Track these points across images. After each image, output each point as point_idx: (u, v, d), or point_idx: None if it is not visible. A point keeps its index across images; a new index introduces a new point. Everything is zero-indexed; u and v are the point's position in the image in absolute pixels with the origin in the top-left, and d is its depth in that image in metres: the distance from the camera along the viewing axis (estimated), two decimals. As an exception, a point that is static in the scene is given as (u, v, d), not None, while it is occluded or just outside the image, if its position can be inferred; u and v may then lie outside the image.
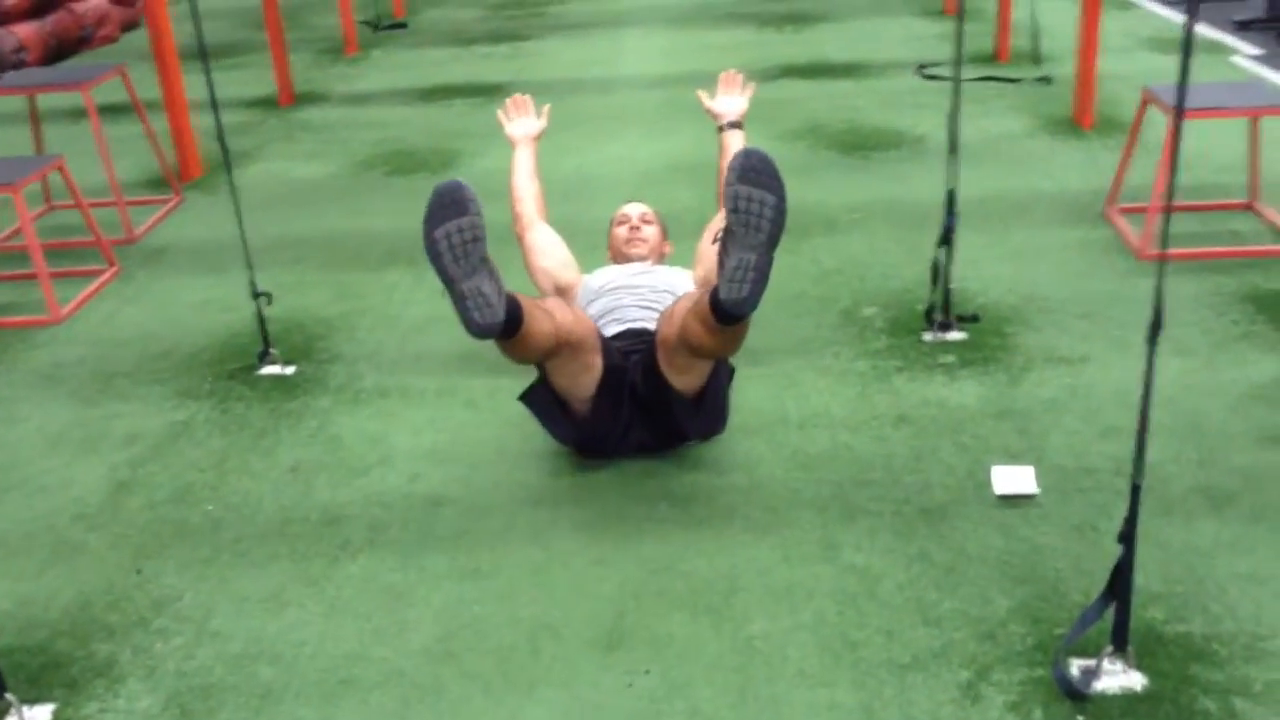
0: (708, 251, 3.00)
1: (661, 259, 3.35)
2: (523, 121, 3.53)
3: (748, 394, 3.07)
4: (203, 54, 3.27)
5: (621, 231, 3.34)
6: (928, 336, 3.40)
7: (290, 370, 3.41)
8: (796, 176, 3.52)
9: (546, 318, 2.53)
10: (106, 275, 4.18)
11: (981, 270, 3.79)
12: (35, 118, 4.85)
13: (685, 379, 2.70)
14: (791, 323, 3.53)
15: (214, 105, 3.30)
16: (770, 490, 2.70)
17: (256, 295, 3.37)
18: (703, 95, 3.54)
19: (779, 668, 2.14)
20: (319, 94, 6.75)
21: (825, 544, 2.48)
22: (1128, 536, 2.00)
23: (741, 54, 6.80)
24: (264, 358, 3.43)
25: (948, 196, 3.26)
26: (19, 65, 7.20)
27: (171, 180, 4.99)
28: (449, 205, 2.31)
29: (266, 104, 6.53)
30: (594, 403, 2.75)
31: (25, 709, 2.12)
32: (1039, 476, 2.66)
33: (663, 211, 3.47)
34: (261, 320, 3.40)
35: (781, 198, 2.28)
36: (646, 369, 2.72)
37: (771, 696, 2.07)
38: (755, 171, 2.27)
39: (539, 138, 3.50)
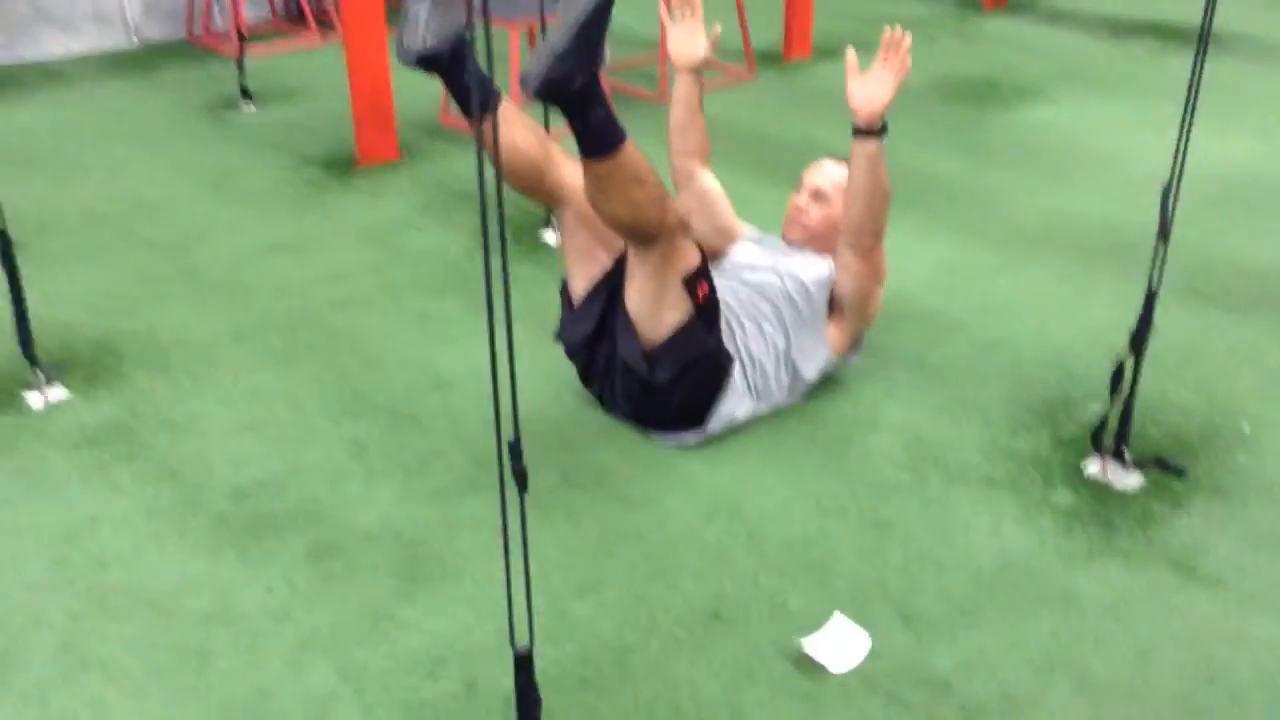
0: (850, 263, 2.72)
1: (823, 245, 2.88)
2: (684, 37, 2.92)
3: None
4: None
5: (794, 200, 2.98)
6: (1092, 469, 2.56)
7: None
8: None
9: (533, 139, 2.39)
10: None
11: (1211, 369, 2.97)
12: None
13: (638, 298, 2.47)
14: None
15: None
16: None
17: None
18: (851, 65, 2.65)
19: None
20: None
21: None
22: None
23: None
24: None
25: (1146, 300, 2.39)
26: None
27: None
28: None
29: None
30: (582, 300, 2.63)
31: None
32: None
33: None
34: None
35: None
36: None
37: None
38: None
39: (699, 69, 2.93)
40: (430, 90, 4.65)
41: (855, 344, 2.91)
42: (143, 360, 3.05)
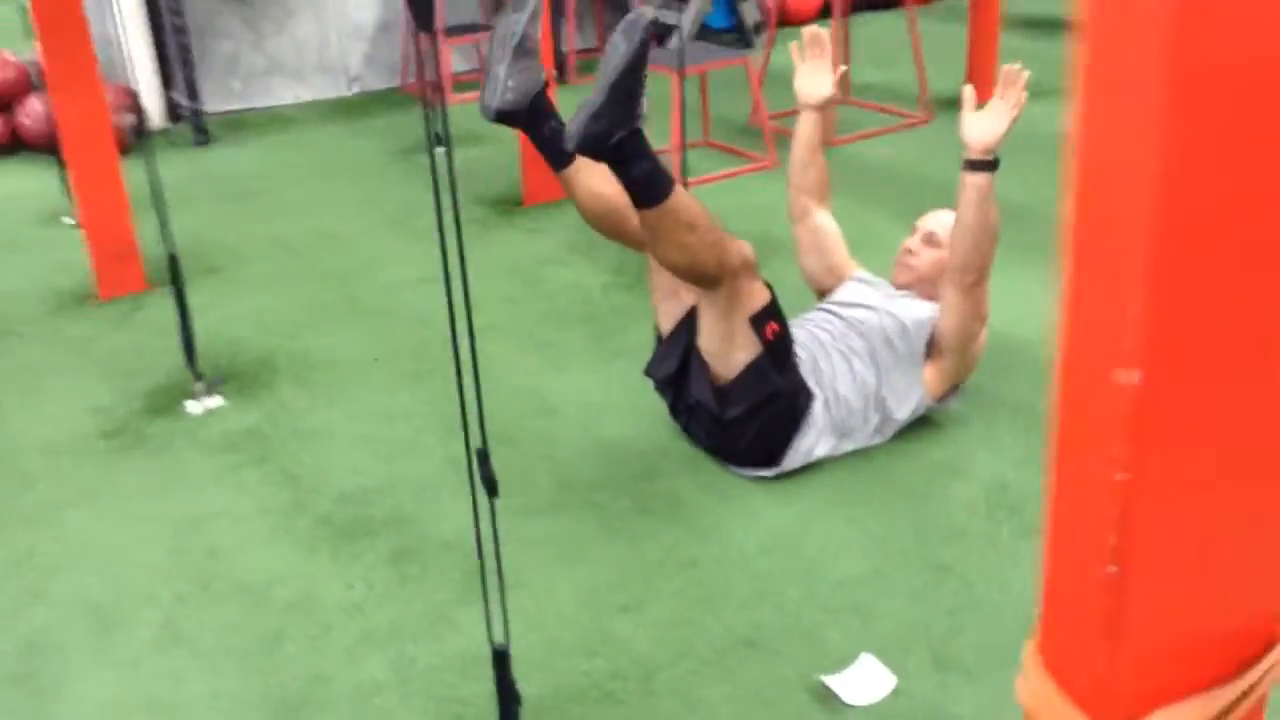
0: (953, 300, 2.72)
1: (930, 290, 2.86)
2: (811, 75, 3.02)
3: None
4: None
5: (905, 243, 3.00)
6: None
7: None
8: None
9: (613, 187, 2.44)
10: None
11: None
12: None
13: (707, 338, 2.57)
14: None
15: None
16: None
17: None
18: (967, 101, 2.68)
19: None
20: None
21: None
22: None
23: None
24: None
25: None
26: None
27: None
28: (514, 2, 2.38)
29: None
30: (668, 337, 2.73)
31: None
32: None
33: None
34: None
35: (635, 50, 2.18)
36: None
37: None
38: (628, 24, 2.19)
39: (824, 107, 3.04)
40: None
41: (954, 388, 2.88)
42: (292, 376, 3.36)
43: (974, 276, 2.69)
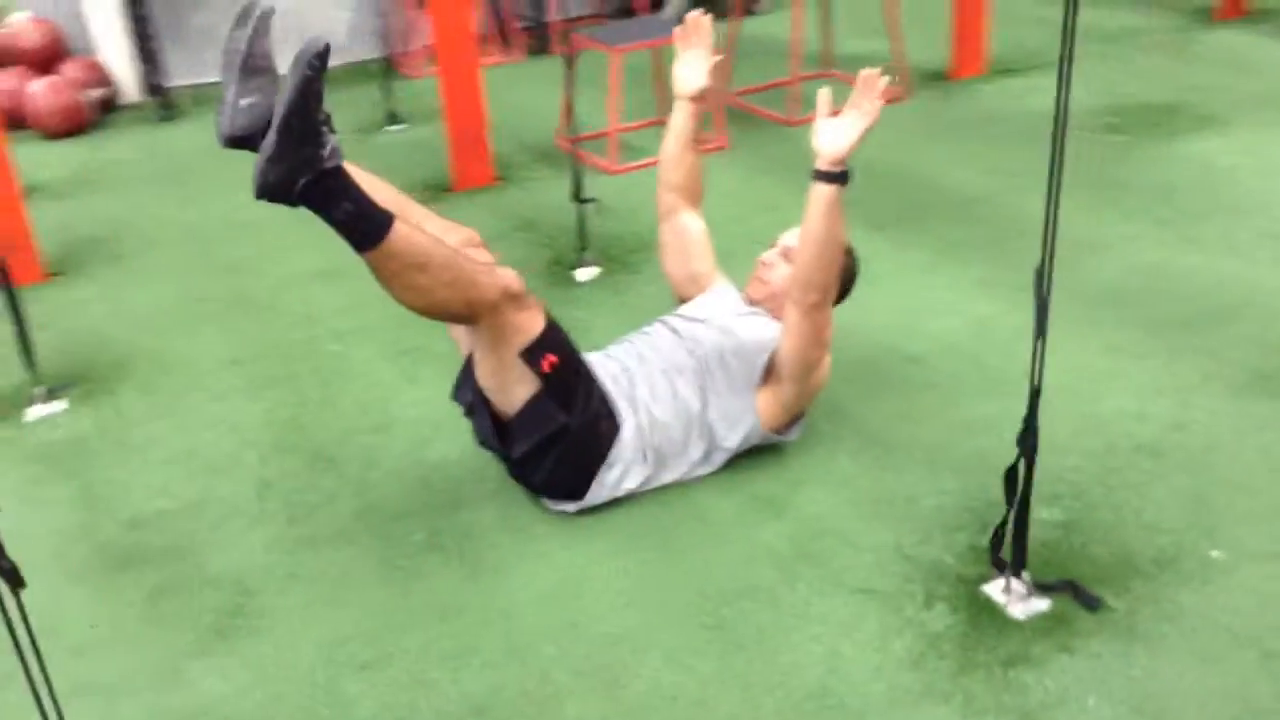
0: (793, 321, 2.46)
1: (782, 309, 2.54)
2: (687, 64, 2.81)
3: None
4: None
5: (762, 256, 2.77)
6: (991, 589, 2.19)
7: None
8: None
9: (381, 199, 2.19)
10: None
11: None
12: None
13: (482, 374, 2.39)
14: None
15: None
16: None
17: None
18: (823, 104, 2.38)
19: None
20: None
21: None
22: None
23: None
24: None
25: (1031, 397, 2.13)
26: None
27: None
28: (238, 18, 2.09)
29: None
30: (465, 363, 2.53)
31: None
32: None
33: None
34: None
35: (298, 88, 1.90)
36: None
37: None
38: (296, 56, 1.92)
39: (699, 98, 2.79)
40: (548, 112, 4.67)
41: (793, 418, 2.63)
42: (141, 380, 3.24)
43: (816, 296, 2.43)
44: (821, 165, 2.35)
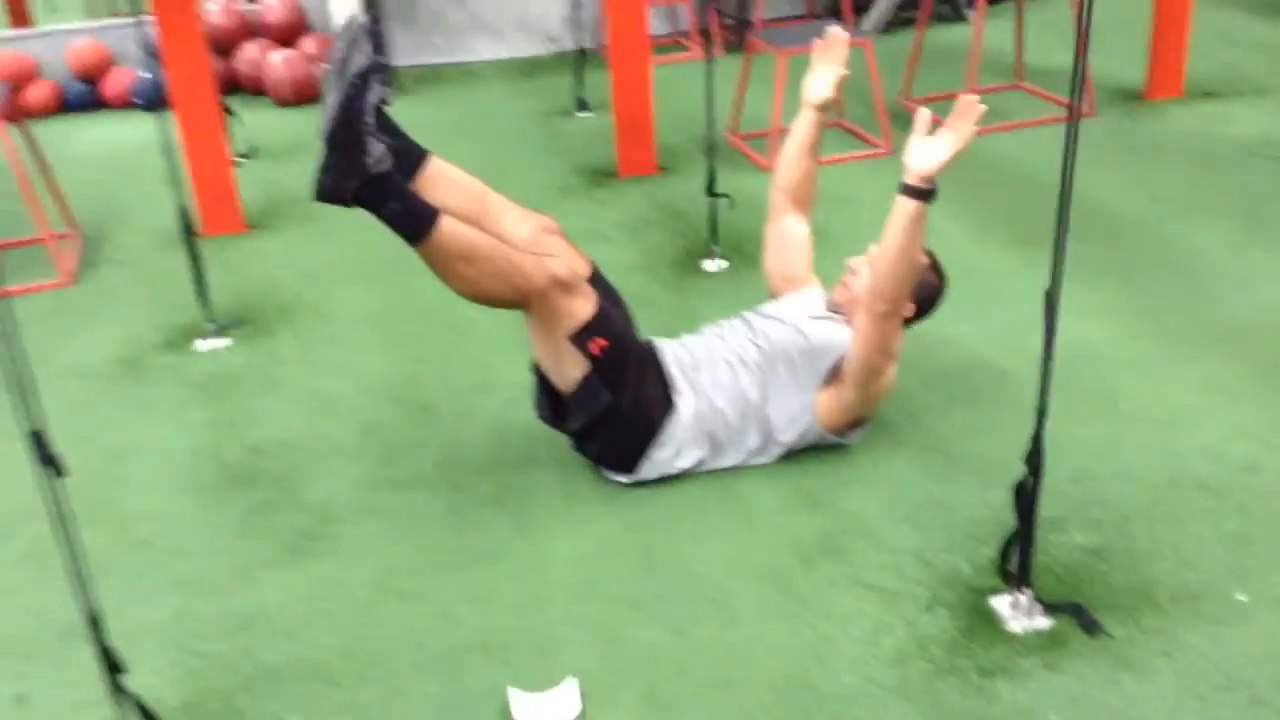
0: (861, 326, 2.53)
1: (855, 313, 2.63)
2: (820, 74, 2.91)
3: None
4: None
5: (850, 260, 2.82)
6: (998, 602, 2.21)
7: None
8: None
9: (466, 197, 2.48)
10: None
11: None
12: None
13: (538, 353, 2.58)
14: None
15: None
16: None
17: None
18: (921, 123, 2.41)
19: None
20: None
21: None
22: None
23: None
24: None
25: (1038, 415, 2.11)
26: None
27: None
28: (340, 31, 2.37)
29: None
30: None
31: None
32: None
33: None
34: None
35: (340, 104, 2.13)
36: None
37: None
38: (333, 72, 2.14)
39: (824, 107, 2.90)
40: (728, 108, 4.81)
41: (852, 421, 2.70)
42: (296, 327, 3.61)
43: (885, 306, 2.50)
44: (909, 179, 2.40)
